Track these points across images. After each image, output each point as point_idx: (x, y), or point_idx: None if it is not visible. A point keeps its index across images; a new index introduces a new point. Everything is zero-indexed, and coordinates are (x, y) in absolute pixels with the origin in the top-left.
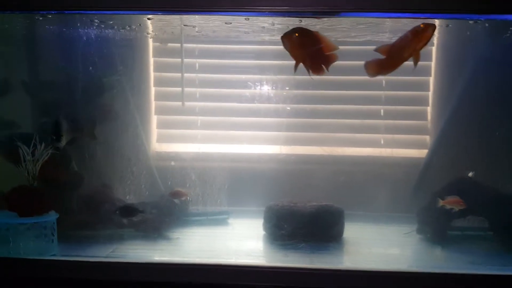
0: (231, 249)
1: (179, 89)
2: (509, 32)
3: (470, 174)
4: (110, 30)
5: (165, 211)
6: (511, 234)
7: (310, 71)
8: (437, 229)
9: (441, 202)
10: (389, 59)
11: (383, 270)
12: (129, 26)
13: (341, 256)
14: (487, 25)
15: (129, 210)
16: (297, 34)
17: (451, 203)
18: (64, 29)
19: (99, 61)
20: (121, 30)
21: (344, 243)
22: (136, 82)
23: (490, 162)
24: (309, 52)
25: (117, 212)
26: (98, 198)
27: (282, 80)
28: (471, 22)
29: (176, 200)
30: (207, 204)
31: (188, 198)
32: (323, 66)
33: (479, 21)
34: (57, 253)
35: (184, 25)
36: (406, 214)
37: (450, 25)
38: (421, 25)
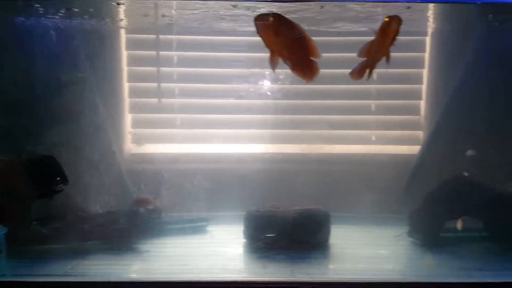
0: (206, 261)
1: (156, 84)
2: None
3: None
4: (72, 20)
5: (135, 221)
6: (507, 234)
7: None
8: (430, 231)
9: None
10: (370, 60)
11: (369, 281)
12: (97, 16)
13: (325, 265)
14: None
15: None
16: (272, 18)
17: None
18: (15, 19)
19: (59, 55)
20: (86, 20)
21: (330, 250)
22: (105, 78)
23: (486, 159)
24: (287, 43)
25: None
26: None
27: (265, 75)
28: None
29: (141, 209)
30: (185, 210)
31: (155, 206)
32: (306, 71)
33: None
34: (6, 273)
35: (162, 16)
36: (398, 215)
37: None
38: (386, 19)
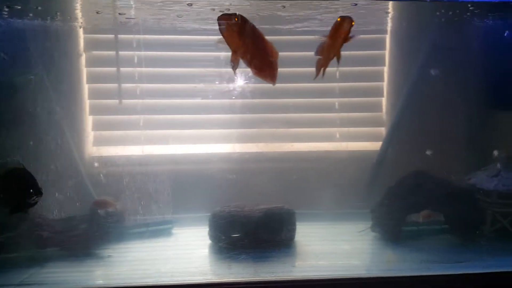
0: (169, 264)
1: (117, 85)
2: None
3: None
4: (25, 20)
5: (96, 225)
6: (466, 226)
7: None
8: (391, 226)
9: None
10: (323, 60)
11: (332, 277)
12: (53, 14)
13: (290, 263)
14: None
15: None
16: (236, 19)
17: (425, 217)
18: None
19: (10, 57)
20: (40, 20)
21: (295, 247)
22: (62, 79)
23: (444, 154)
24: (250, 46)
25: None
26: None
27: (230, 73)
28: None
29: (102, 213)
30: (148, 213)
31: (117, 209)
32: (266, 73)
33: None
34: None
35: (119, 14)
36: (362, 211)
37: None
38: (338, 19)
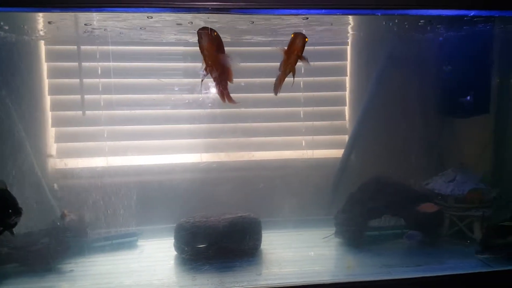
0: (133, 277)
1: (79, 96)
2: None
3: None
4: None
5: (57, 239)
6: (425, 230)
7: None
8: (354, 231)
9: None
10: (281, 74)
11: (294, 285)
12: (14, 27)
13: (255, 271)
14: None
15: None
16: (215, 34)
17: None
18: None
19: None
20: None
21: (261, 256)
22: (22, 91)
23: (404, 160)
24: (220, 60)
25: None
26: None
27: (192, 84)
28: (381, 19)
29: (65, 227)
30: (113, 225)
31: (80, 223)
32: (221, 93)
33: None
34: None
35: (85, 25)
36: (327, 217)
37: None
38: (291, 35)
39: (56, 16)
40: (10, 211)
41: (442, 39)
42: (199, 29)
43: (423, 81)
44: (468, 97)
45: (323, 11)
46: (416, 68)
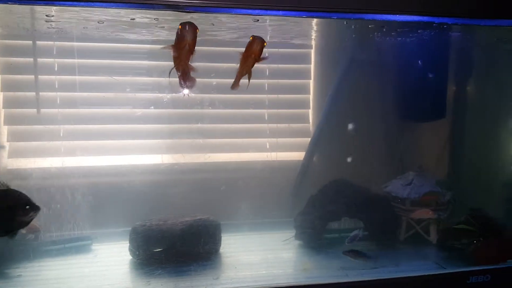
0: (85, 282)
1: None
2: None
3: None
4: None
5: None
6: (383, 233)
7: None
8: (313, 234)
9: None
10: (238, 74)
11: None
12: None
13: (213, 275)
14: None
15: None
16: (198, 30)
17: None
18: None
19: None
20: None
21: (220, 259)
22: None
23: (364, 163)
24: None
25: None
26: None
27: (157, 83)
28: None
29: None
30: (67, 229)
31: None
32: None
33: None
34: None
35: (47, 16)
36: (289, 219)
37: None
38: (250, 38)
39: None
40: (28, 207)
41: (400, 44)
42: (184, 23)
43: (383, 85)
44: (425, 102)
45: (280, 12)
46: (376, 73)
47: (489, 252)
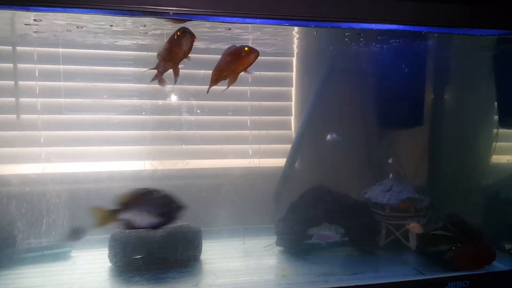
0: None
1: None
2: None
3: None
4: None
5: None
6: (363, 239)
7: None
8: (293, 240)
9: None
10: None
11: None
12: None
13: (192, 282)
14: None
15: None
16: (195, 39)
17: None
18: None
19: None
20: None
21: (200, 266)
22: None
23: (344, 169)
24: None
25: None
26: None
27: (139, 90)
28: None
29: None
30: (45, 236)
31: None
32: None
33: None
34: None
35: (32, 22)
36: (270, 226)
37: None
38: (245, 48)
39: None
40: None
41: (379, 53)
42: (183, 30)
43: (363, 93)
44: (404, 109)
45: (258, 20)
46: (356, 80)
47: (467, 258)
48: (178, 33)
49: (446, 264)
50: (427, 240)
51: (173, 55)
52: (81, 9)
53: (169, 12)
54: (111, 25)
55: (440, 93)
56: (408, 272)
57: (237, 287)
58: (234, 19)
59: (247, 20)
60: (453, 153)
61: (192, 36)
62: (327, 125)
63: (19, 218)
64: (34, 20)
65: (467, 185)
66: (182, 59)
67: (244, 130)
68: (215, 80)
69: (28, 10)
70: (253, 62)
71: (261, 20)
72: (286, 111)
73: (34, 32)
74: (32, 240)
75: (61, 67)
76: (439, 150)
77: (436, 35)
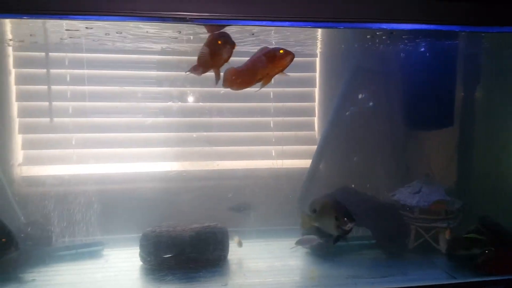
0: (97, 287)
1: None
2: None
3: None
4: None
5: (20, 248)
6: (392, 241)
7: None
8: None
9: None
10: (240, 82)
11: None
12: None
13: (222, 281)
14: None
15: None
16: (235, 47)
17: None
18: None
19: None
20: None
21: (228, 266)
22: None
23: (371, 171)
24: None
25: None
26: None
27: (166, 92)
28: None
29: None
30: (79, 234)
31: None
32: None
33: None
34: None
35: (67, 30)
36: (296, 227)
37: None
38: (280, 51)
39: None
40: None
41: (407, 53)
42: (225, 40)
43: (390, 94)
44: (433, 110)
45: (286, 23)
46: (383, 81)
47: (502, 262)
48: (219, 42)
49: (477, 268)
50: (458, 243)
51: (214, 61)
52: (122, 17)
53: (201, 18)
54: (147, 31)
55: (470, 92)
56: (438, 276)
57: (270, 287)
58: (264, 23)
59: (276, 23)
60: (485, 154)
61: (233, 46)
62: (354, 126)
63: (54, 217)
64: (86, 28)
65: (500, 187)
66: (222, 64)
67: (268, 131)
68: (247, 83)
69: (75, 19)
70: (288, 65)
71: (291, 23)
72: (310, 112)
73: (77, 37)
74: (66, 239)
75: (95, 71)
76: (470, 151)
77: (464, 33)
